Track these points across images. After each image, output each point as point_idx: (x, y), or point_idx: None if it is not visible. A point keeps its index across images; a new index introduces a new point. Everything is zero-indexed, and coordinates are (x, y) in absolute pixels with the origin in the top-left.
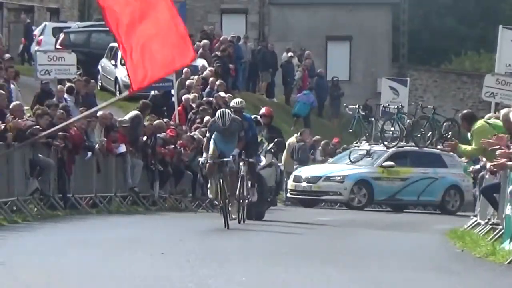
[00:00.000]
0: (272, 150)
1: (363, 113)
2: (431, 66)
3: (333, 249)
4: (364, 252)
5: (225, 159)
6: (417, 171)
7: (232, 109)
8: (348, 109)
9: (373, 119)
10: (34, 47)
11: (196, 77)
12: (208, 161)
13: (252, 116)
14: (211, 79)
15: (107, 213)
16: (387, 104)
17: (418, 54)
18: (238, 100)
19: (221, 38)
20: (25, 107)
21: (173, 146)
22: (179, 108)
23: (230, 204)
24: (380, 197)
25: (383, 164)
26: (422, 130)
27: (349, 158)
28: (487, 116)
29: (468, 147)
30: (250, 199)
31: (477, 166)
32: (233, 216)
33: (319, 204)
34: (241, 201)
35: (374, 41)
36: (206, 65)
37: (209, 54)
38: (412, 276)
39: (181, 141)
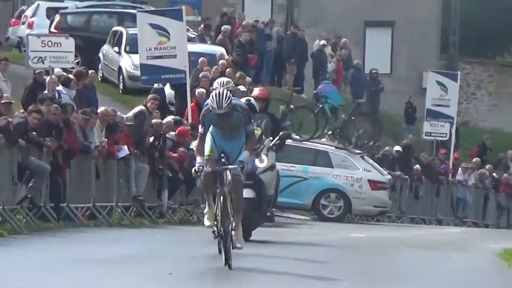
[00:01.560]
0: (275, 147)
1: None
2: (486, 58)
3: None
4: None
5: (228, 167)
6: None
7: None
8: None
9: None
10: (24, 30)
11: (214, 67)
12: (203, 169)
13: (243, 100)
14: (227, 70)
15: (107, 226)
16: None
17: (472, 43)
18: (224, 80)
19: (242, 23)
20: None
21: (184, 148)
22: (192, 104)
23: (234, 229)
24: None
25: None
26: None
27: None
28: None
29: None
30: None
31: None
32: (238, 245)
33: None
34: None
35: (420, 28)
36: (225, 53)
37: (228, 41)
38: None
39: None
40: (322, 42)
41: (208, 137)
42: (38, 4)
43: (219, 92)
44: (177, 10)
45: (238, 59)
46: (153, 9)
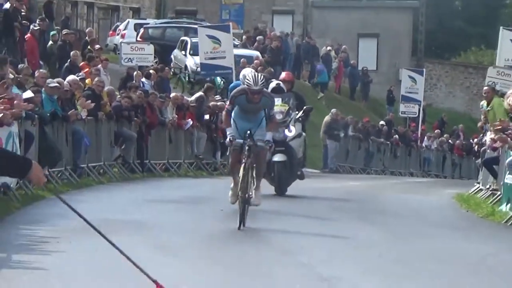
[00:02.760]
0: (300, 119)
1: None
2: (443, 60)
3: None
4: (387, 211)
5: (257, 143)
6: None
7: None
8: None
9: None
10: (119, 40)
11: (252, 65)
12: (233, 142)
13: (275, 83)
14: (259, 67)
15: (177, 176)
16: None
17: (433, 49)
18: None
19: (271, 34)
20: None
21: None
22: None
23: (255, 189)
24: None
25: None
26: None
27: None
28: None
29: None
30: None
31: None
32: (256, 203)
33: None
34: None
35: (397, 38)
36: (260, 56)
37: (262, 47)
38: (426, 231)
39: None
40: (328, 48)
41: (232, 122)
42: (128, 21)
43: (254, 73)
44: (226, 25)
45: (269, 60)
46: (209, 24)
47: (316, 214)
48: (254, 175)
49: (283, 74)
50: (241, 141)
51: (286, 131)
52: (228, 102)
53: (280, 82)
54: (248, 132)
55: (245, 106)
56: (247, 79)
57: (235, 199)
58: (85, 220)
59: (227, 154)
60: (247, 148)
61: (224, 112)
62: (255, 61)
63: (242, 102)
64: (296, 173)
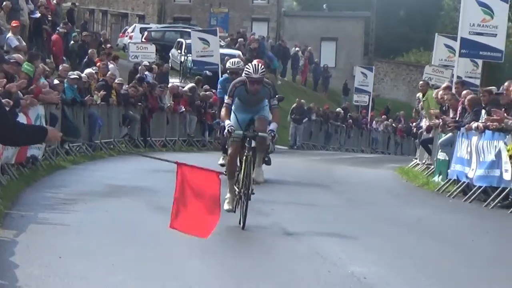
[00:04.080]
0: (275, 107)
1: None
2: (389, 59)
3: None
4: (343, 181)
5: (259, 134)
6: None
7: (228, 71)
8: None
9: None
10: (127, 40)
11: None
12: (232, 133)
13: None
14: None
15: (172, 151)
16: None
17: (381, 51)
18: (235, 60)
19: (251, 37)
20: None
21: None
22: None
23: (258, 165)
24: None
25: None
26: None
27: None
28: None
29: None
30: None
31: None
32: (259, 180)
33: None
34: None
35: (352, 42)
36: (241, 54)
37: (243, 48)
38: (373, 197)
39: None
40: (297, 49)
41: (232, 115)
42: (135, 26)
43: (254, 62)
44: (214, 30)
45: (248, 58)
46: (200, 28)
47: (284, 184)
48: (256, 158)
49: (255, 62)
50: (241, 132)
51: None
52: (227, 97)
53: None
54: (250, 122)
55: (245, 98)
56: (247, 68)
57: (232, 206)
58: (164, 160)
59: (217, 135)
60: (247, 139)
61: (223, 108)
62: (239, 58)
63: (241, 94)
64: (264, 159)
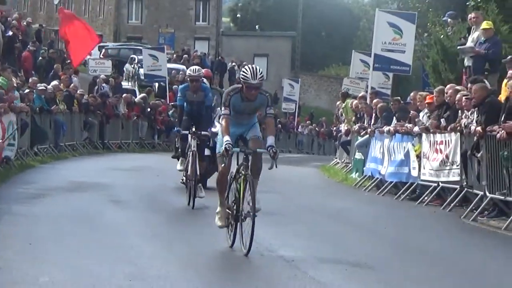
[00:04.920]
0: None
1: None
2: (313, 72)
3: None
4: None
5: (258, 150)
6: None
7: (188, 78)
8: None
9: None
10: (87, 57)
11: (179, 75)
12: (230, 151)
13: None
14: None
15: (127, 152)
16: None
17: (306, 65)
18: (196, 67)
19: (194, 54)
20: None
21: (165, 116)
22: (170, 93)
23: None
24: None
25: None
26: None
27: None
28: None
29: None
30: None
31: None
32: (258, 207)
33: None
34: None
35: (281, 57)
36: (185, 69)
37: (187, 63)
38: (301, 191)
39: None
40: (233, 64)
41: (224, 130)
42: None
43: (252, 66)
44: (162, 47)
45: None
46: (150, 46)
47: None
48: (252, 181)
49: (202, 71)
50: (238, 149)
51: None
52: (223, 108)
53: (204, 78)
54: (240, 137)
55: (240, 106)
56: (244, 73)
57: (225, 222)
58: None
59: (170, 139)
60: (244, 156)
61: (223, 120)
62: (181, 72)
63: (236, 102)
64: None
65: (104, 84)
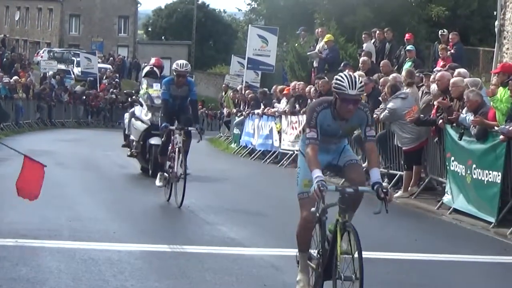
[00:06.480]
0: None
1: None
2: (203, 71)
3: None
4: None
5: (360, 189)
6: None
7: (175, 73)
8: None
9: None
10: (39, 59)
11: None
12: (324, 192)
13: (149, 67)
14: (111, 74)
15: (69, 127)
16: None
17: (199, 65)
18: (183, 62)
19: (117, 57)
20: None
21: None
22: (101, 85)
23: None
24: None
25: None
26: None
27: None
28: None
29: None
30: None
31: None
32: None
33: None
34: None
35: (180, 59)
36: (111, 67)
37: (112, 64)
38: (194, 156)
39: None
40: (145, 64)
41: (311, 161)
42: (44, 49)
43: (349, 74)
44: (94, 52)
45: (115, 70)
46: (85, 51)
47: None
48: (355, 233)
49: (153, 60)
50: (334, 187)
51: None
52: (307, 129)
53: (153, 66)
54: (328, 165)
55: (329, 126)
56: (338, 81)
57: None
58: (16, 150)
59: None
60: (340, 197)
61: (309, 148)
62: (108, 71)
63: (325, 120)
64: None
65: (52, 79)
